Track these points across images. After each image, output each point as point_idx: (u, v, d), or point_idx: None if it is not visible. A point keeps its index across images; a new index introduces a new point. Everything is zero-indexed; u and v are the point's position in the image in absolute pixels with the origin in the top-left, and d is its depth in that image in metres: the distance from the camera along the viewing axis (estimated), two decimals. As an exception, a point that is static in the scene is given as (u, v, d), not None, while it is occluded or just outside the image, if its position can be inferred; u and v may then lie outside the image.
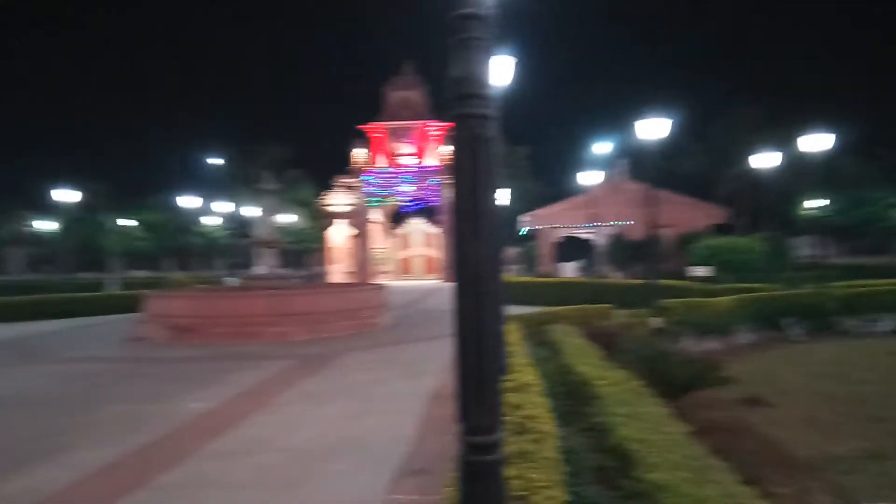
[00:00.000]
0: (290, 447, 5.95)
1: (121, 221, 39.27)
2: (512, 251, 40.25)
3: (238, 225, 37.68)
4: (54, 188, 27.31)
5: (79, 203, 30.00)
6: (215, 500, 4.69)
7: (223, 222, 39.17)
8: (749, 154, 27.57)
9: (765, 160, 25.62)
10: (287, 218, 37.15)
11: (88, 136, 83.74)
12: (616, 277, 27.81)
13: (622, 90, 71.04)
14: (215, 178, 37.78)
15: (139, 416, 7.34)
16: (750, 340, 12.92)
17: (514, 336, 7.87)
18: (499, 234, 2.48)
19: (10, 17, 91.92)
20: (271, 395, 8.21)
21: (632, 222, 31.97)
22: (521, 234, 39.72)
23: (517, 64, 8.35)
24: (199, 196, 35.27)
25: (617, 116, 47.74)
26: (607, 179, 33.80)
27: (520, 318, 10.78)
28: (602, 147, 30.71)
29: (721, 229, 31.77)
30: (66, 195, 26.50)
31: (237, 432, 6.51)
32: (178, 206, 36.55)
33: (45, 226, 39.41)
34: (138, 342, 14.07)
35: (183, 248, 40.96)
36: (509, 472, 3.11)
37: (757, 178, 32.46)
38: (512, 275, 31.44)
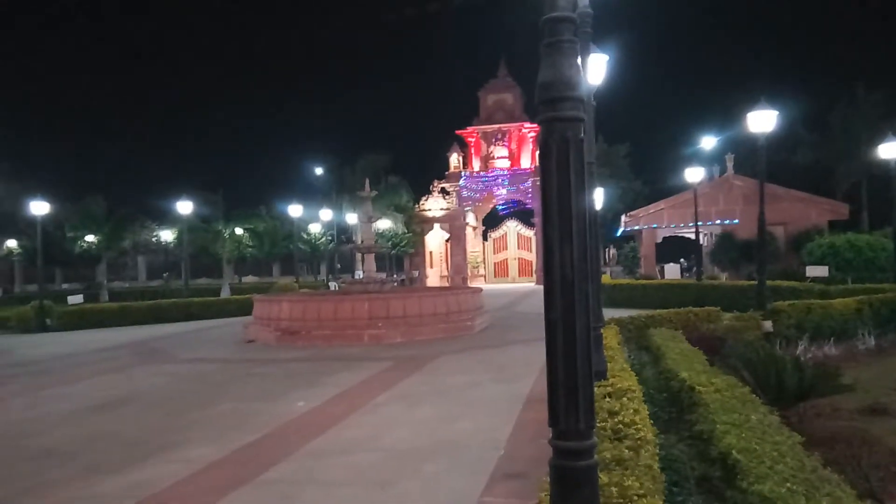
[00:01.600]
0: (385, 447, 6.05)
1: (233, 230, 41.72)
2: (611, 253, 39.23)
3: (339, 231, 39.03)
4: (175, 200, 29.37)
5: (196, 213, 32.11)
6: (314, 496, 4.83)
7: (325, 229, 40.70)
8: (872, 143, 25.39)
9: (893, 150, 23.49)
10: (385, 223, 38.06)
11: (204, 150, 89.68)
12: (723, 279, 26.44)
13: (730, 81, 67.55)
14: (318, 187, 39.35)
15: (247, 415, 7.72)
16: (873, 345, 11.87)
17: (612, 340, 7.64)
18: (595, 235, 2.42)
19: (134, 30, 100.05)
20: (368, 396, 8.40)
21: (739, 220, 30.31)
22: (619, 234, 38.65)
23: (612, 60, 8.14)
24: (304, 204, 36.83)
25: (724, 109, 45.47)
26: (713, 175, 32.21)
27: (619, 322, 10.46)
28: (707, 141, 29.31)
29: (840, 226, 29.46)
30: (184, 207, 28.45)
31: (336, 432, 6.70)
32: (284, 215, 38.36)
33: (166, 235, 42.53)
34: (248, 344, 14.84)
35: (289, 254, 42.88)
36: (604, 478, 3.00)
37: (883, 169, 29.86)
38: (611, 277, 30.62)
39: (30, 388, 10.56)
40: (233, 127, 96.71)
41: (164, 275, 45.23)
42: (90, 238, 41.33)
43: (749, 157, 30.55)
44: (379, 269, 20.69)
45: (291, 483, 5.12)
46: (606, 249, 39.26)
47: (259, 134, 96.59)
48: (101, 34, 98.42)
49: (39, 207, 23.88)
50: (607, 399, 4.62)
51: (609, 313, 9.57)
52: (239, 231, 42.38)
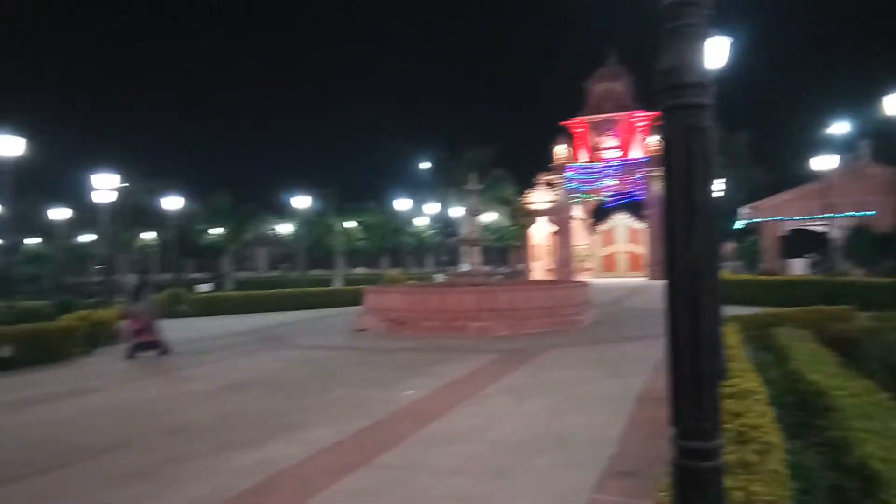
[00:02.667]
0: (494, 438, 6.09)
1: (345, 223, 43.38)
2: (729, 247, 37.17)
3: (445, 225, 39.56)
4: (292, 195, 30.96)
5: (311, 208, 33.68)
6: (426, 483, 4.95)
7: (432, 222, 41.42)
8: None
9: None
10: (490, 216, 38.15)
11: (320, 147, 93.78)
12: (856, 275, 24.35)
13: (862, 59, 61.92)
14: (425, 181, 40.07)
15: (360, 401, 8.03)
16: None
17: (733, 339, 7.25)
18: (716, 228, 2.32)
19: (255, 29, 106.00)
20: (476, 388, 8.48)
21: (876, 212, 27.77)
22: (738, 227, 36.52)
23: (735, 43, 7.71)
24: (411, 198, 37.63)
25: (857, 92, 41.75)
26: (845, 164, 29.73)
27: (739, 320, 9.91)
28: (838, 127, 27.05)
29: None
30: (300, 201, 29.94)
31: (445, 421, 6.82)
32: (392, 209, 39.42)
33: (284, 228, 44.94)
34: (360, 333, 15.40)
35: (397, 247, 44.05)
36: (728, 482, 2.86)
37: None
38: (729, 272, 29.04)
39: (166, 369, 11.53)
40: (346, 123, 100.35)
41: (282, 266, 47.75)
42: (217, 231, 44.44)
43: (888, 144, 27.89)
44: (484, 263, 20.77)
45: (404, 468, 5.28)
46: (724, 243, 37.26)
47: (371, 129, 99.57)
48: (230, 42, 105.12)
49: (173, 203, 25.94)
50: (730, 400, 4.40)
51: (729, 311, 9.07)
52: (350, 224, 44.05)
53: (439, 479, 5.04)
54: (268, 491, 4.88)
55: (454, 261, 40.57)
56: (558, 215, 40.28)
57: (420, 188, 39.26)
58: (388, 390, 8.58)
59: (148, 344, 12.70)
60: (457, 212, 37.08)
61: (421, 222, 42.10)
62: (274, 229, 46.19)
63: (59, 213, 32.25)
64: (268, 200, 45.19)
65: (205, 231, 44.00)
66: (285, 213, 41.91)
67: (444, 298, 15.09)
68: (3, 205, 15.38)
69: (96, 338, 14.12)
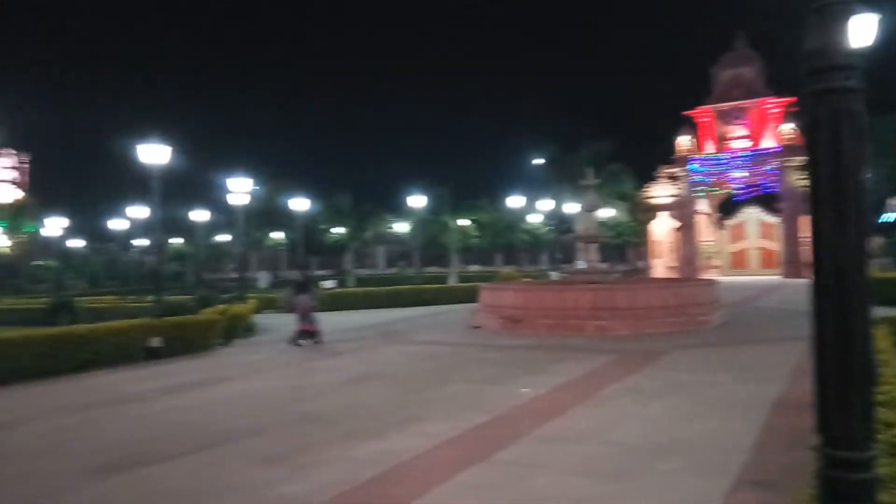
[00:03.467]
0: (615, 441, 5.93)
1: (459, 221, 43.91)
2: (876, 242, 33.84)
3: (560, 221, 38.98)
4: (409, 195, 31.79)
5: (426, 206, 34.39)
6: (545, 481, 4.91)
7: (546, 219, 40.97)
8: None
9: None
10: (607, 212, 37.11)
11: (436, 146, 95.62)
12: None
13: None
14: (539, 178, 39.69)
15: (477, 396, 8.10)
16: None
17: (883, 342, 6.60)
18: (865, 221, 2.14)
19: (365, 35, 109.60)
20: (595, 388, 8.29)
21: None
22: (886, 220, 33.16)
23: (883, 20, 7.02)
24: (525, 195, 37.41)
25: None
26: None
27: (891, 322, 9.01)
28: None
29: None
30: (416, 200, 30.66)
31: (563, 420, 6.72)
32: (506, 206, 39.39)
33: (401, 227, 46.26)
34: (475, 330, 15.52)
35: (511, 244, 43.98)
36: (883, 498, 2.61)
37: None
38: (877, 269, 26.45)
39: (296, 361, 12.21)
40: (461, 122, 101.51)
41: (399, 263, 49.14)
42: (339, 230, 46.50)
43: None
44: (601, 260, 20.25)
45: (523, 465, 5.27)
46: (871, 238, 33.95)
47: (486, 127, 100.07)
48: (350, 47, 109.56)
49: (300, 204, 27.41)
50: (883, 409, 4.01)
51: (878, 312, 8.29)
52: (464, 222, 44.52)
53: (558, 477, 4.98)
54: (391, 481, 5.04)
55: (569, 258, 39.85)
56: (681, 210, 38.49)
57: (534, 185, 38.93)
58: (505, 387, 8.59)
59: (307, 332, 13.99)
60: (572, 208, 36.39)
61: (535, 219, 41.76)
62: (392, 228, 47.64)
63: (200, 215, 35.02)
64: (386, 200, 46.72)
65: (328, 230, 46.18)
66: (402, 212, 43.08)
67: (561, 296, 14.88)
68: (152, 208, 16.93)
69: (233, 330, 15.21)
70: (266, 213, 41.54)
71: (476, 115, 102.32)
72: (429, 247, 43.73)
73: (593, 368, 9.79)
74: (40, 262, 51.00)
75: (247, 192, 20.27)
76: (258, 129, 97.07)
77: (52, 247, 46.76)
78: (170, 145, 13.97)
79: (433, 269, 43.03)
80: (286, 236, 47.09)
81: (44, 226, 45.85)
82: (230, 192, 20.06)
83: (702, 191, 38.05)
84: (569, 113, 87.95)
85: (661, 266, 39.90)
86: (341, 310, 22.95)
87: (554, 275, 29.21)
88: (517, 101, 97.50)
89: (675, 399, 7.53)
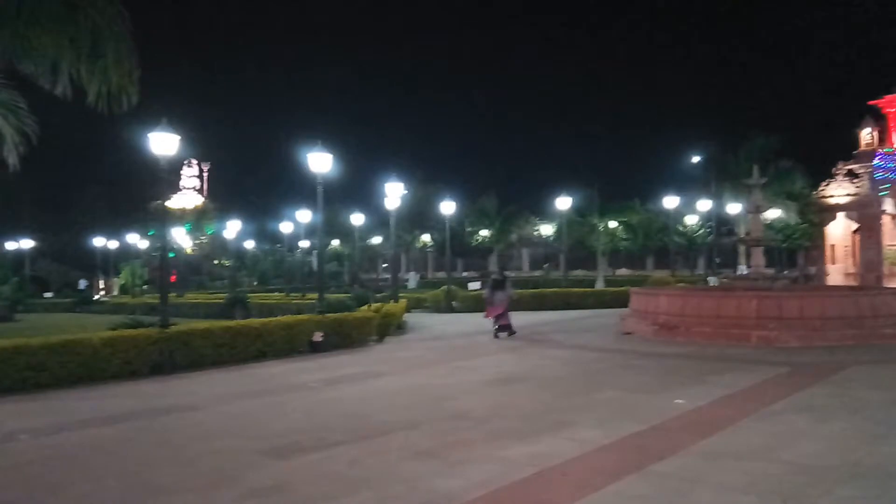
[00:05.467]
0: (786, 460, 5.45)
1: (607, 223, 42.70)
2: None
3: (719, 223, 36.55)
4: (554, 197, 31.45)
5: (572, 208, 33.82)
6: (707, 498, 4.63)
7: (703, 221, 38.65)
8: None
9: None
10: (775, 213, 34.20)
11: (582, 146, 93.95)
12: None
13: None
14: (695, 176, 37.47)
15: (629, 404, 7.83)
16: None
17: None
18: None
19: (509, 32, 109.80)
20: (761, 402, 7.69)
21: None
22: None
23: None
24: (680, 195, 35.53)
25: None
26: None
27: None
28: None
29: None
30: (563, 202, 30.25)
31: (726, 435, 6.30)
32: (659, 207, 37.62)
33: (546, 229, 45.84)
34: (625, 336, 15.01)
35: (663, 247, 41.96)
36: None
37: None
38: None
39: (445, 359, 12.54)
40: (612, 120, 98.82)
41: (544, 266, 48.72)
42: (484, 232, 47.08)
43: None
44: (767, 265, 18.74)
45: (682, 479, 5.01)
46: None
47: (636, 123, 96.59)
48: (490, 51, 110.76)
49: (447, 207, 28.10)
50: None
51: None
52: (613, 224, 43.17)
53: (722, 495, 4.68)
54: (542, 484, 5.02)
55: (730, 262, 37.26)
56: (863, 210, 34.59)
57: (690, 184, 36.78)
58: (658, 397, 8.22)
59: (503, 327, 15.12)
60: (734, 209, 33.99)
61: (691, 221, 39.52)
62: (537, 230, 47.38)
63: (356, 218, 37.05)
64: (531, 202, 46.55)
65: (474, 232, 46.92)
66: (547, 213, 42.68)
67: (721, 303, 13.97)
68: (316, 212, 18.19)
69: (386, 327, 15.94)
70: (416, 216, 43.04)
71: (627, 111, 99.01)
72: (575, 249, 42.89)
73: (759, 381, 9.09)
74: (218, 262, 56.73)
75: (399, 196, 21.14)
76: (410, 134, 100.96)
77: (228, 247, 51.79)
78: (331, 153, 14.93)
79: (579, 273, 42.19)
80: (433, 238, 48.45)
81: (222, 228, 50.97)
82: (384, 196, 21.04)
83: (888, 189, 33.93)
84: (730, 106, 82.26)
85: (838, 272, 36.10)
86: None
87: (713, 280, 27.48)
88: (672, 95, 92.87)
89: (856, 419, 6.79)
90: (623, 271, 45.35)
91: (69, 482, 5.40)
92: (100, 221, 54.89)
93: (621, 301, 19.39)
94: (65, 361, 9.99)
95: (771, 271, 19.04)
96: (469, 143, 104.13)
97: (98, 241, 49.97)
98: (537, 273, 48.20)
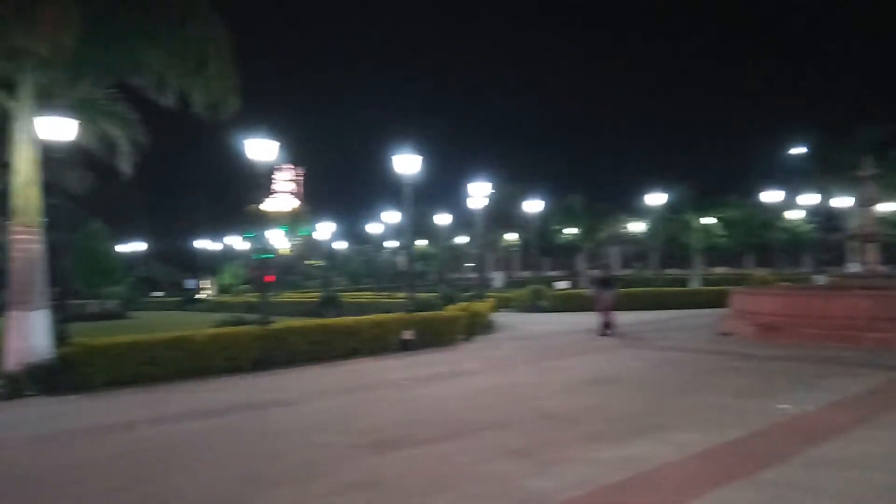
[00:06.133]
0: (911, 473, 5.04)
1: (703, 220, 40.91)
2: None
3: (826, 218, 34.21)
4: (645, 193, 30.50)
5: (665, 204, 32.67)
6: (819, 510, 4.36)
7: (808, 216, 36.34)
8: None
9: None
10: (890, 207, 31.61)
11: (674, 140, 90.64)
12: None
13: None
14: (798, 169, 35.25)
15: (729, 408, 7.47)
16: None
17: None
18: None
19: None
20: (879, 409, 7.15)
21: None
22: None
23: None
24: (782, 189, 33.59)
25: None
26: None
27: None
28: None
29: None
30: (655, 198, 29.29)
31: (840, 443, 5.89)
32: (759, 202, 35.71)
33: (636, 227, 44.51)
34: (723, 336, 14.35)
35: (764, 244, 39.81)
36: None
37: None
38: None
39: (533, 357, 12.43)
40: (703, 113, 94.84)
41: (635, 264, 47.37)
42: (571, 231, 46.29)
43: None
44: (882, 262, 17.36)
45: (792, 488, 4.72)
46: None
47: (733, 115, 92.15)
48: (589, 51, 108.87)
49: (534, 206, 27.87)
50: None
51: None
52: (709, 220, 41.32)
53: (836, 508, 4.38)
54: (637, 488, 4.88)
55: (838, 260, 34.84)
56: None
57: (793, 177, 34.63)
58: (761, 401, 7.79)
59: (608, 325, 15.30)
60: (843, 202, 31.70)
61: (795, 216, 37.26)
62: (627, 227, 46.09)
63: (442, 219, 37.40)
64: (621, 199, 45.33)
65: (560, 231, 46.22)
66: (638, 210, 41.42)
67: (829, 303, 13.09)
68: (403, 213, 18.50)
69: (473, 327, 15.99)
70: (501, 215, 42.91)
71: (723, 104, 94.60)
72: (668, 247, 41.45)
73: (875, 386, 8.45)
74: (311, 262, 58.80)
75: (485, 196, 21.16)
76: (496, 133, 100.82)
77: (321, 248, 53.60)
78: (418, 154, 15.13)
79: (673, 272, 40.71)
80: (519, 237, 48.12)
81: (316, 230, 52.76)
82: (470, 196, 21.12)
83: None
84: (834, 95, 76.91)
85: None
86: (572, 311, 22.83)
87: (819, 278, 25.80)
88: (770, 86, 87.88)
89: None
90: (720, 270, 43.38)
91: (176, 469, 5.76)
92: (202, 225, 58.36)
93: (719, 301, 18.55)
94: (175, 356, 10.67)
95: (885, 269, 17.62)
96: (556, 142, 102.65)
97: (201, 244, 53.06)
98: (627, 272, 46.94)
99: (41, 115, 10.36)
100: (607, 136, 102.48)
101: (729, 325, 14.74)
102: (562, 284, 29.46)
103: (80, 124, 11.00)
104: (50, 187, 10.98)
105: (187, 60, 10.43)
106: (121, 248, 53.06)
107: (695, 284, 32.07)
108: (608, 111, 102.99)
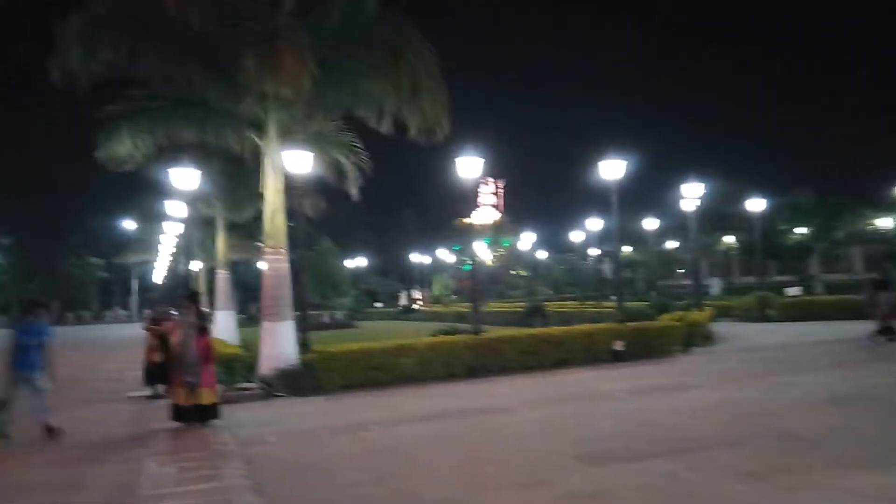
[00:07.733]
0: None
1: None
2: None
3: None
4: (893, 182, 26.47)
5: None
6: None
7: None
8: None
9: None
10: None
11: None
12: None
13: None
14: None
15: None
16: None
17: None
18: None
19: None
20: None
21: None
22: None
23: None
24: None
25: None
26: None
27: None
28: None
29: None
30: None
31: None
32: None
33: (885, 222, 38.61)
34: None
35: None
36: None
37: None
38: None
39: (761, 372, 11.39)
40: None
41: (885, 265, 41.08)
42: (801, 230, 41.55)
43: None
44: None
45: None
46: None
47: None
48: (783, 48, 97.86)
49: (755, 205, 25.58)
50: None
51: None
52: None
53: None
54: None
55: None
56: None
57: None
58: None
59: (888, 329, 14.02)
60: None
61: None
62: (872, 224, 40.22)
63: (650, 223, 35.77)
64: (863, 191, 39.77)
65: (788, 231, 41.73)
66: (886, 204, 35.98)
67: None
68: (609, 219, 18.07)
69: (691, 338, 15.05)
70: (716, 217, 39.96)
71: None
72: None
73: None
74: (514, 272, 59.76)
75: (698, 197, 19.91)
76: (709, 130, 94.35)
77: (523, 258, 54.31)
78: (624, 159, 14.71)
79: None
80: (738, 240, 44.40)
81: (518, 240, 53.66)
82: (682, 197, 20.02)
83: None
84: None
85: None
86: (806, 320, 20.48)
87: None
88: None
89: None
90: None
91: (410, 470, 6.23)
92: (414, 240, 62.31)
93: None
94: (398, 363, 11.54)
95: None
96: (778, 133, 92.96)
97: (413, 257, 56.71)
98: (874, 275, 40.91)
99: (284, 149, 11.89)
100: (839, 122, 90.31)
101: None
102: (793, 290, 26.50)
103: (314, 155, 12.42)
104: (291, 212, 12.56)
105: (401, 90, 11.30)
106: (347, 263, 58.69)
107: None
108: (843, 88, 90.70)
